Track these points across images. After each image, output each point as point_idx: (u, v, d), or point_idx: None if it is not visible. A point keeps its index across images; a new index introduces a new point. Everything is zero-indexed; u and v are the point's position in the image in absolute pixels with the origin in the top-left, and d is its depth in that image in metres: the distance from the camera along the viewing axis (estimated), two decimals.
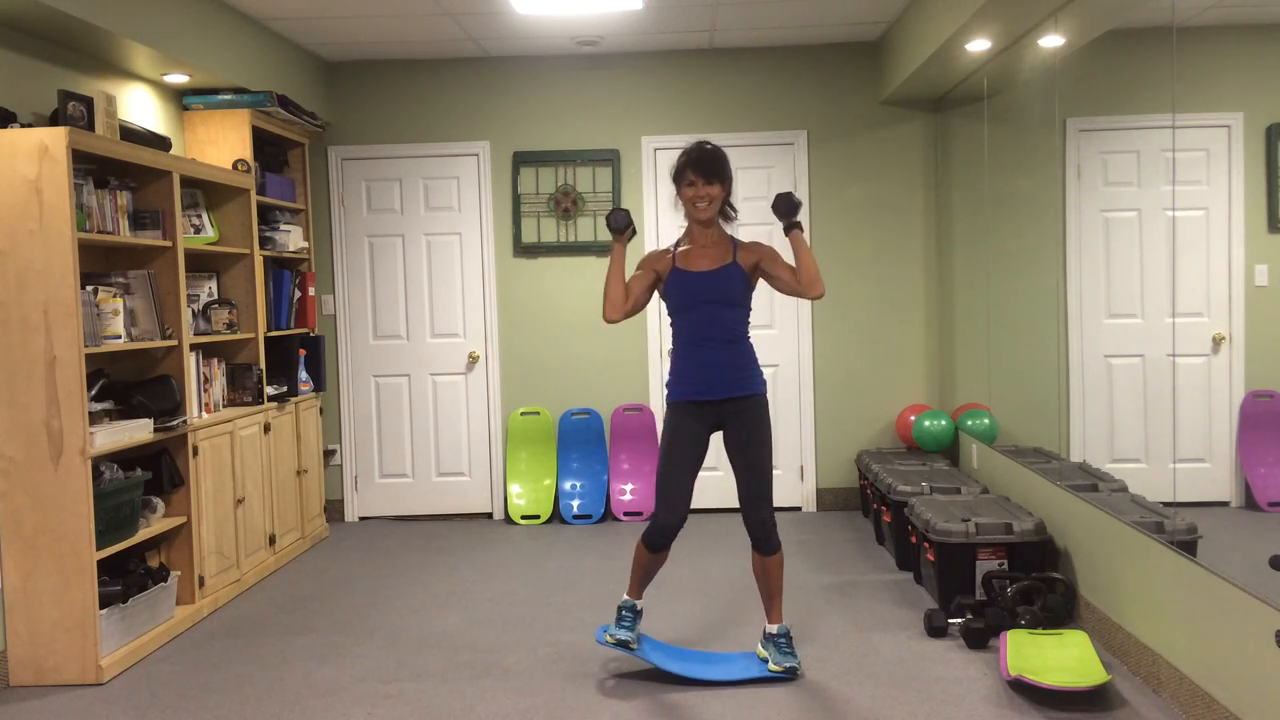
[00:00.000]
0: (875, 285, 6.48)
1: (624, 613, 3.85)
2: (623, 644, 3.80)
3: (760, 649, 3.93)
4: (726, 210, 3.87)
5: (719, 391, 3.77)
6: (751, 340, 3.86)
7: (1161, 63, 3.58)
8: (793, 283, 3.78)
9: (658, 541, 3.79)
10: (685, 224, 3.90)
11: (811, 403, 6.51)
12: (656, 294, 3.91)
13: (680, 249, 3.86)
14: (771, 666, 3.80)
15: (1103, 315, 4.25)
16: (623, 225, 3.88)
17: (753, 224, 6.36)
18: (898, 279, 6.48)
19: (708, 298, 3.76)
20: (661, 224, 6.36)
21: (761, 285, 3.87)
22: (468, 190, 6.55)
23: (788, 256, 3.86)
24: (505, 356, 6.58)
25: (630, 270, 3.91)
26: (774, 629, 3.86)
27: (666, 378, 3.95)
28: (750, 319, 3.86)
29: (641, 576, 3.88)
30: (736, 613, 4.55)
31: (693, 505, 3.91)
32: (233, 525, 5.01)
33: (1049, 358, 4.61)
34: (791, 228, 3.83)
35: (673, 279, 3.81)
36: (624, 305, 3.82)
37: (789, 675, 3.78)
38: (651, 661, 3.82)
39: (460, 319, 6.59)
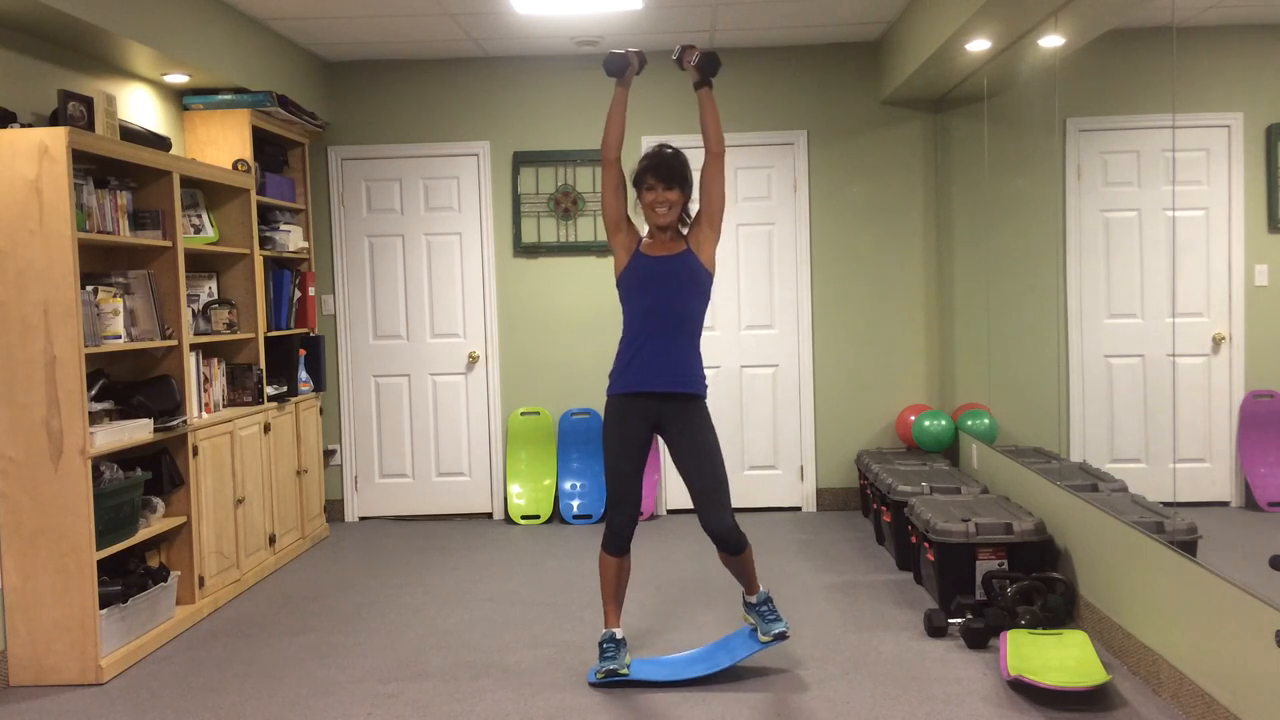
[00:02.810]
0: (875, 285, 6.48)
1: (606, 646, 3.82)
2: (613, 674, 3.76)
3: (745, 615, 3.96)
4: (684, 217, 3.84)
5: (657, 384, 3.74)
6: (700, 351, 3.82)
7: (1161, 63, 3.58)
8: (706, 168, 3.74)
9: (617, 544, 3.80)
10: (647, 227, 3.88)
11: (811, 403, 6.51)
12: (614, 284, 3.87)
13: (644, 241, 3.86)
14: (761, 637, 3.81)
15: (1103, 315, 4.25)
16: (619, 69, 3.79)
17: (753, 224, 6.38)
18: (898, 279, 6.48)
19: (666, 279, 3.74)
20: None
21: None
22: (468, 190, 6.55)
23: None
24: (505, 356, 6.58)
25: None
26: (753, 598, 3.88)
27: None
28: (703, 321, 3.84)
29: (613, 594, 3.86)
30: (732, 612, 4.55)
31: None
32: (233, 525, 5.01)
33: (1049, 358, 4.61)
34: (704, 85, 3.76)
35: (634, 261, 3.79)
36: (618, 148, 3.77)
37: (781, 639, 3.78)
38: (648, 679, 3.79)
39: (460, 319, 6.59)
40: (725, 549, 3.78)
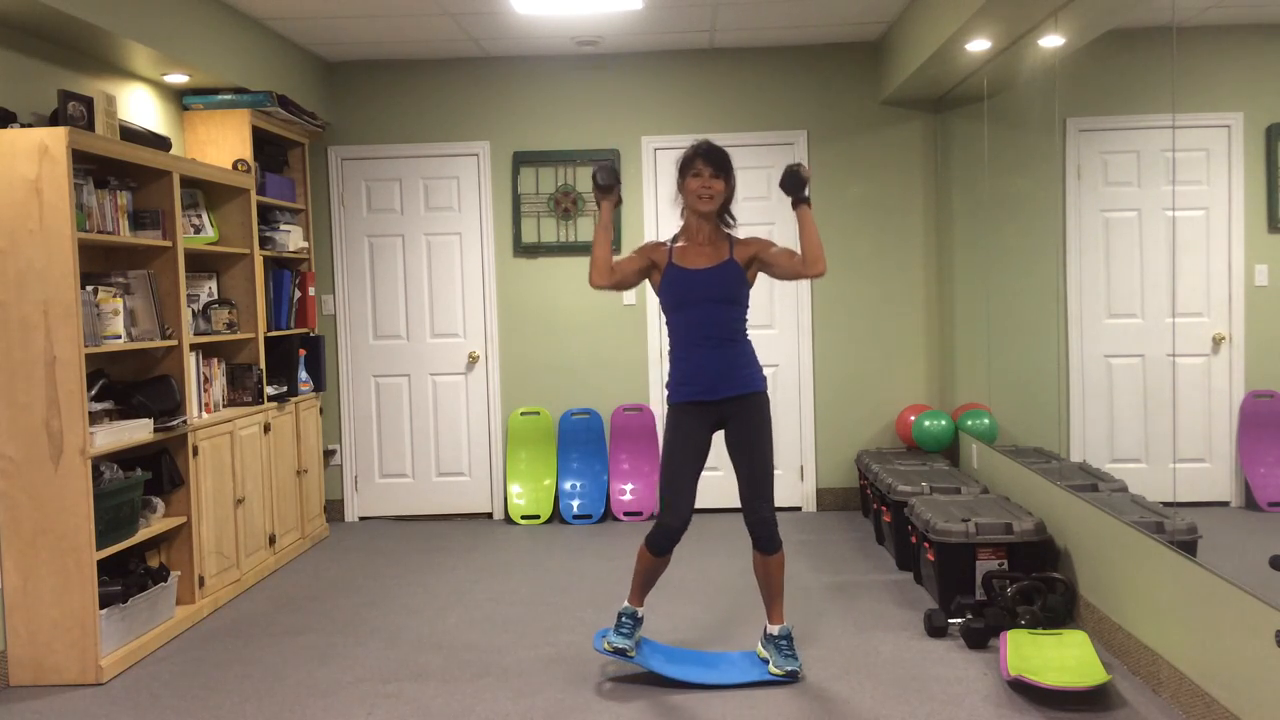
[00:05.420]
0: (875, 285, 6.48)
1: (624, 619, 3.84)
2: (620, 651, 3.78)
3: (761, 649, 3.92)
4: (725, 216, 3.84)
5: (719, 391, 3.75)
6: (750, 338, 3.83)
7: (1161, 63, 3.58)
8: (794, 265, 3.73)
9: (662, 545, 3.77)
10: (682, 223, 3.89)
11: (811, 403, 6.51)
12: (648, 283, 3.89)
13: (677, 245, 3.84)
14: (772, 669, 3.79)
15: (1103, 315, 4.25)
16: (609, 183, 3.79)
17: (753, 224, 6.37)
18: (898, 279, 6.48)
19: (705, 296, 3.73)
20: (661, 223, 6.35)
21: (760, 279, 3.86)
22: (468, 190, 6.55)
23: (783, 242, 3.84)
24: (505, 356, 6.58)
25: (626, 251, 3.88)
26: (775, 630, 3.85)
27: (666, 378, 3.94)
28: (748, 317, 3.84)
29: (644, 582, 3.86)
30: (738, 613, 4.55)
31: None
32: (233, 525, 5.01)
33: (1049, 358, 4.61)
34: (799, 203, 3.76)
35: (669, 275, 3.78)
36: (610, 276, 3.76)
37: (790, 679, 3.78)
38: (650, 667, 3.80)
39: (460, 319, 6.59)
40: (760, 544, 3.77)
